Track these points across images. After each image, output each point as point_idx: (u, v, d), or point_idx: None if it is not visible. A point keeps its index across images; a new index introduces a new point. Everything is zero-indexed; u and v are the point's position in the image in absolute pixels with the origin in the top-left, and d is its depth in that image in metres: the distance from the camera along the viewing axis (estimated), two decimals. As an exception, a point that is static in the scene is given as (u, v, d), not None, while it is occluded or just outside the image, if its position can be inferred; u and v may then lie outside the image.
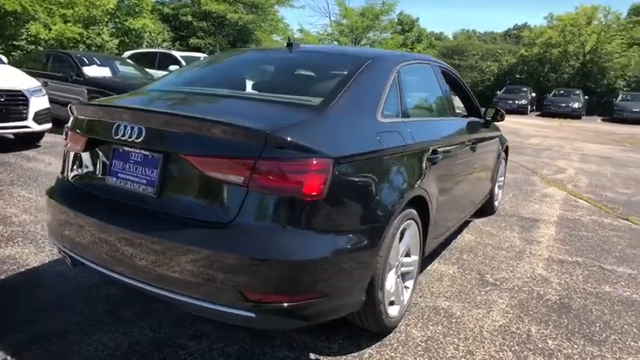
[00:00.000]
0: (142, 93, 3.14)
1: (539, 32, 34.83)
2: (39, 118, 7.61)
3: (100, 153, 2.55)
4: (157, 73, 12.40)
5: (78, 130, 2.67)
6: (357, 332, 2.78)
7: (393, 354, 2.66)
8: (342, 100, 2.55)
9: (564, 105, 26.49)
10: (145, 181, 2.31)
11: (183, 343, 2.63)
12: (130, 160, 2.38)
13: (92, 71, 9.92)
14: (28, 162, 6.81)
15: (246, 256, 2.04)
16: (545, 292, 3.57)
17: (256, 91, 2.99)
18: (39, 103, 7.63)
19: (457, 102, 4.56)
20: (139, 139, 2.28)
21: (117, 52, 19.33)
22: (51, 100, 8.10)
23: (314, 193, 2.10)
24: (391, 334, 2.83)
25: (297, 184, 2.07)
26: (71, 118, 2.78)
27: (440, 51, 42.88)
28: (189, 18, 26.35)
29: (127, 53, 15.17)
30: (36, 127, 7.60)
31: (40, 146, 7.96)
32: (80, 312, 2.88)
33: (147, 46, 21.31)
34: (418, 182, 2.87)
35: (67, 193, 2.71)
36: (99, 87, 9.46)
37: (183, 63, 13.21)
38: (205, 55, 17.91)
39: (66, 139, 2.80)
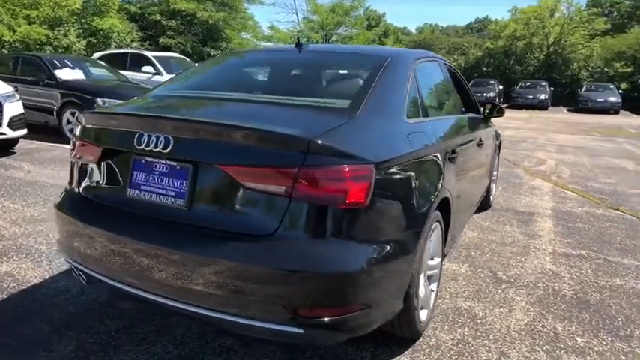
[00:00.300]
0: (157, 99, 2.96)
1: (504, 25, 35.39)
2: (14, 124, 7.35)
3: (118, 164, 2.39)
4: (130, 74, 12.09)
5: (89, 140, 2.51)
6: (386, 339, 2.71)
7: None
8: (371, 101, 2.46)
9: (532, 96, 27.10)
10: (173, 193, 2.18)
11: (211, 359, 2.52)
12: (153, 171, 2.24)
13: (65, 74, 9.63)
14: (5, 170, 6.52)
15: (292, 269, 1.94)
16: (560, 288, 3.57)
17: (278, 95, 2.85)
18: (13, 108, 7.37)
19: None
20: (166, 150, 2.14)
21: (85, 53, 18.77)
22: (23, 105, 7.77)
23: (358, 201, 2.01)
24: (421, 339, 2.77)
25: (341, 193, 1.98)
26: (79, 127, 2.63)
27: (407, 46, 43.06)
28: (158, 17, 25.76)
29: (97, 54, 14.71)
30: (11, 134, 7.34)
31: (15, 153, 7.65)
32: (95, 331, 2.73)
33: (115, 46, 20.77)
34: (442, 183, 2.81)
35: (80, 207, 2.55)
36: (72, 90, 9.19)
37: (157, 63, 12.89)
38: (177, 54, 17.59)
39: (73, 149, 2.64)
